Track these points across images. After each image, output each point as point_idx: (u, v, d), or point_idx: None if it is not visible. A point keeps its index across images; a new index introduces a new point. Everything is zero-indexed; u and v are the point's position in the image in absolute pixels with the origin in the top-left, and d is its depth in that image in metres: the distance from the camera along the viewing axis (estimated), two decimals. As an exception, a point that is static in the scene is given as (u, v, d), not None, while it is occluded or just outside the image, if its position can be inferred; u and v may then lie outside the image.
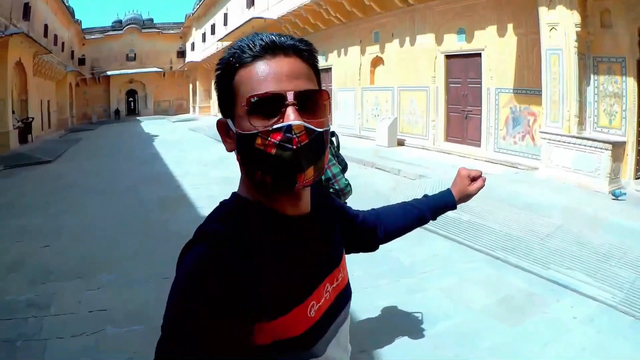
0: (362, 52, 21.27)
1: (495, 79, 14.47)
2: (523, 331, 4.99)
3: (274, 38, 1.16)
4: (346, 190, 3.92)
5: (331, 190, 3.86)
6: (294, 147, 1.08)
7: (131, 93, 61.18)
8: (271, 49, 1.14)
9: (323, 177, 3.77)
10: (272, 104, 1.10)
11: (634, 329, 4.96)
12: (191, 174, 15.21)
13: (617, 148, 10.73)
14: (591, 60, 11.56)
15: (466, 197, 1.92)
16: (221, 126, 1.24)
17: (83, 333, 4.98)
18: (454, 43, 16.02)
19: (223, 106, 1.22)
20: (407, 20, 18.02)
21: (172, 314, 1.03)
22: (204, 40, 49.19)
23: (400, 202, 1.96)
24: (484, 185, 1.93)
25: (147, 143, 26.33)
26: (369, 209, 1.88)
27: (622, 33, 10.85)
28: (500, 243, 7.50)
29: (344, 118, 23.40)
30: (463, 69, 15.93)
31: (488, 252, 7.29)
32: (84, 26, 55.87)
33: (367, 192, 10.96)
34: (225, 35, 35.11)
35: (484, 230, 8.03)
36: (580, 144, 10.97)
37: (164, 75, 59.71)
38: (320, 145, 1.15)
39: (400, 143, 18.40)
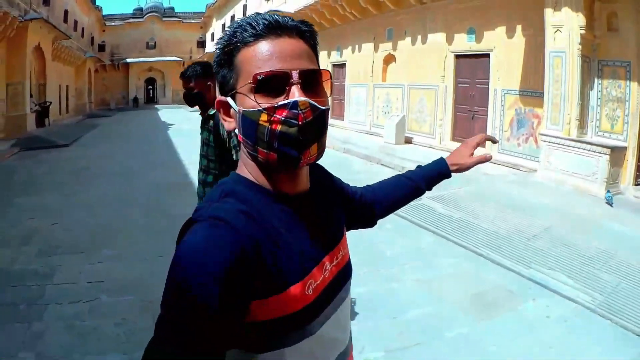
0: (376, 48, 21.30)
1: (502, 80, 14.49)
2: (491, 326, 5.09)
3: (277, 18, 1.18)
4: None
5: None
6: (300, 122, 1.11)
7: (150, 81, 61.38)
8: (275, 29, 1.16)
9: (231, 160, 3.89)
10: (277, 82, 1.12)
11: (609, 333, 5.02)
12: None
13: (616, 153, 10.76)
14: (596, 63, 11.57)
15: (462, 166, 1.93)
16: (221, 105, 1.25)
17: (80, 300, 5.43)
18: (464, 43, 16.01)
19: (223, 85, 1.23)
20: (420, 19, 18.00)
21: (174, 289, 1.00)
22: (223, 30, 48.59)
23: (394, 175, 1.97)
24: (484, 161, 1.95)
25: (162, 131, 26.61)
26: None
27: (629, 37, 10.86)
28: (487, 241, 7.59)
29: (355, 114, 23.62)
30: (472, 69, 15.92)
31: (472, 249, 7.39)
32: (104, 13, 56.31)
33: None
34: (243, 28, 35.17)
35: (472, 227, 8.14)
36: (579, 148, 11.04)
37: (183, 64, 58.99)
38: (323, 123, 1.18)
39: (408, 141, 18.42)
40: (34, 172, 14.27)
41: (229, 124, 1.25)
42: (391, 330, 4.89)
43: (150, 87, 61.77)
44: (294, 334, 1.16)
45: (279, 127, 1.11)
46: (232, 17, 45.04)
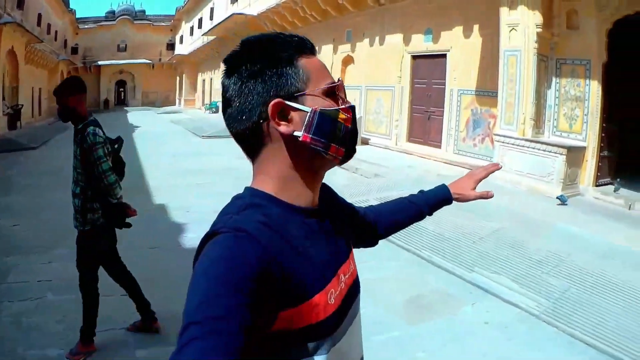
0: (335, 50, 20.89)
1: (458, 80, 14.06)
2: (423, 330, 4.92)
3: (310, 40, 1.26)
4: (114, 186, 4.24)
5: (102, 184, 4.15)
6: (355, 123, 1.23)
7: (121, 83, 60.53)
8: (313, 49, 1.24)
9: (95, 171, 4.10)
10: (333, 90, 1.21)
11: (553, 341, 4.73)
12: (159, 165, 14.95)
13: (573, 153, 10.31)
14: (554, 62, 11.19)
15: (463, 197, 1.91)
16: (278, 108, 1.16)
17: (28, 298, 5.53)
18: (421, 43, 15.62)
19: (281, 87, 1.16)
20: (378, 20, 17.62)
21: (200, 301, 0.94)
22: (191, 33, 48.43)
23: (397, 198, 1.95)
24: (486, 197, 1.92)
25: (127, 133, 25.60)
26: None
27: (590, 35, 10.44)
28: (430, 243, 7.23)
29: (315, 116, 22.93)
30: (428, 70, 15.55)
31: (415, 252, 7.06)
32: (78, 15, 55.25)
33: None
34: (209, 30, 34.77)
35: (418, 230, 7.61)
36: (534, 148, 10.53)
37: (152, 67, 59.07)
38: None
39: (365, 142, 17.88)
40: (1, 174, 14.12)
41: (286, 127, 1.17)
42: None
43: (121, 89, 60.99)
44: (319, 344, 1.14)
45: (350, 125, 1.21)
46: (200, 20, 44.12)
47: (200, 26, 43.61)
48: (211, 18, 38.88)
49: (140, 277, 4.87)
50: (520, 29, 10.86)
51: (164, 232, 7.87)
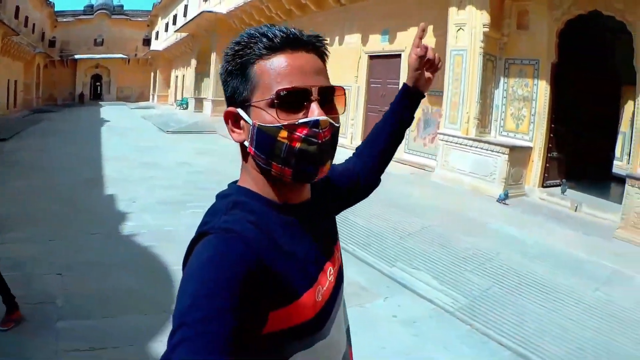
0: None
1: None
2: None
3: (295, 32, 1.11)
4: None
5: None
6: (320, 141, 1.07)
7: (97, 78, 59.20)
8: (292, 43, 1.10)
9: None
10: (296, 99, 1.06)
11: (464, 339, 4.62)
12: (119, 158, 14.72)
13: (518, 153, 10.12)
14: (503, 62, 11.01)
15: (415, 74, 1.67)
16: (230, 116, 1.17)
17: None
18: (378, 43, 15.38)
19: (233, 96, 1.14)
20: (339, 20, 17.35)
21: (189, 302, 0.90)
22: (166, 30, 47.33)
23: (375, 125, 1.78)
24: (424, 53, 1.61)
25: (97, 127, 25.66)
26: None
27: (540, 34, 10.27)
28: (357, 238, 7.10)
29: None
30: (384, 70, 15.30)
31: (350, 250, 6.74)
32: (57, 9, 54.25)
33: None
34: (181, 27, 34.17)
35: (347, 225, 7.46)
36: (477, 147, 10.30)
37: (128, 62, 57.81)
38: (337, 140, 1.15)
39: None
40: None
41: (237, 135, 1.17)
42: None
43: (97, 83, 59.65)
44: (307, 341, 1.12)
45: (298, 145, 1.07)
46: (175, 17, 43.18)
47: (174, 22, 42.62)
48: (185, 15, 38.01)
49: (77, 259, 5.73)
50: (467, 28, 10.69)
51: (107, 220, 7.82)
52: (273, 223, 1.12)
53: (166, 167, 13.22)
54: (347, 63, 16.60)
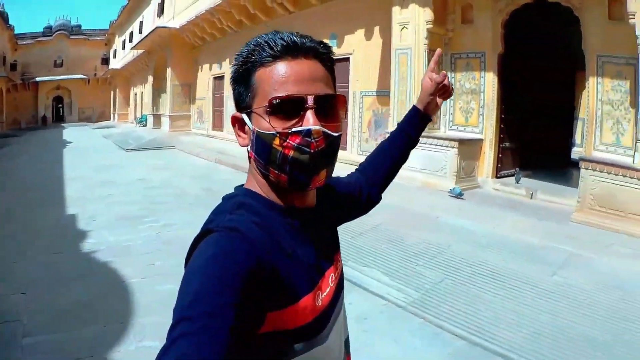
0: None
1: (360, 82, 13.57)
2: None
3: (295, 39, 1.09)
4: None
5: None
6: (312, 150, 1.05)
7: (59, 99, 57.58)
8: (292, 50, 1.08)
9: None
10: (292, 106, 1.05)
11: (415, 332, 4.53)
12: (80, 178, 14.45)
13: (468, 146, 9.98)
14: (449, 57, 10.87)
15: (432, 100, 1.62)
16: (236, 121, 1.19)
17: None
18: None
19: (239, 101, 1.16)
20: (288, 27, 16.06)
21: (190, 298, 0.89)
22: (123, 47, 46.27)
23: (379, 144, 1.75)
24: (441, 82, 1.57)
25: (60, 149, 24.97)
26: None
27: (485, 27, 10.17)
28: None
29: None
30: (334, 73, 14.90)
31: None
32: (17, 31, 52.64)
33: (225, 194, 10.88)
34: (136, 44, 33.36)
35: None
36: (426, 143, 10.06)
37: (88, 82, 56.29)
38: (334, 149, 1.12)
39: None
40: None
41: (242, 140, 1.19)
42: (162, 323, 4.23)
43: (59, 105, 58.00)
44: (305, 345, 1.09)
45: (291, 153, 1.06)
46: (131, 34, 42.19)
47: (131, 40, 41.68)
48: (140, 31, 37.24)
49: (40, 277, 5.89)
50: (411, 27, 10.49)
51: (68, 239, 7.73)
52: (277, 225, 1.12)
53: (124, 184, 13.05)
54: None
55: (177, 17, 26.47)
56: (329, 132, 1.08)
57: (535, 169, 11.16)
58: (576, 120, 14.69)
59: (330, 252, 1.29)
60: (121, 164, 17.98)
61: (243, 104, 1.14)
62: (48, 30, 57.37)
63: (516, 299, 5.01)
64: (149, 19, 34.72)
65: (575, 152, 9.84)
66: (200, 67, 25.88)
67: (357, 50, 13.67)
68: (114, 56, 52.38)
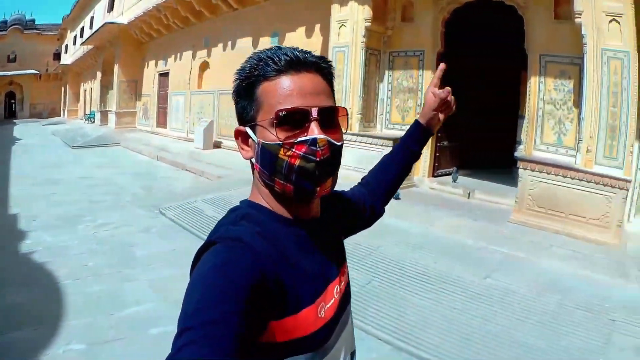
0: (194, 56, 19.67)
1: (300, 80, 13.12)
2: None
3: (298, 54, 1.10)
4: None
5: None
6: (318, 159, 1.06)
7: (12, 95, 54.98)
8: (295, 65, 1.09)
9: None
10: (297, 118, 1.06)
11: None
12: (26, 176, 13.83)
13: None
14: (387, 55, 10.58)
15: (435, 115, 1.60)
16: (239, 134, 1.17)
17: None
18: (268, 46, 14.21)
19: (242, 115, 1.15)
20: (232, 25, 16.67)
21: (194, 309, 0.87)
22: (74, 43, 44.28)
23: (383, 157, 1.73)
24: (445, 96, 1.57)
25: (8, 146, 23.68)
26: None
27: (425, 25, 9.92)
28: None
29: (176, 122, 21.67)
30: (276, 72, 14.61)
31: None
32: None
33: (163, 192, 10.96)
34: (85, 40, 32.18)
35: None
36: (361, 142, 9.79)
37: (40, 77, 53.71)
38: (338, 158, 1.13)
39: (217, 145, 17.15)
40: None
41: (246, 152, 1.18)
42: (104, 325, 4.60)
43: (12, 101, 55.33)
44: (309, 356, 1.08)
45: (297, 162, 1.06)
46: (82, 30, 40.40)
47: (82, 35, 39.70)
48: (91, 27, 35.80)
49: None
50: (349, 24, 10.16)
51: (8, 240, 7.42)
52: (281, 236, 1.10)
53: (67, 183, 12.54)
54: (238, 67, 15.74)
55: (126, 12, 25.58)
56: (333, 141, 1.08)
57: (477, 168, 10.95)
58: (521, 120, 14.51)
59: (335, 263, 1.26)
60: (67, 161, 17.41)
61: (247, 117, 1.13)
62: (3, 25, 54.56)
63: (446, 303, 4.78)
64: (99, 14, 33.46)
65: (521, 151, 9.66)
66: (146, 63, 25.08)
67: (307, 49, 13.18)
68: (66, 51, 50.11)
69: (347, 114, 1.17)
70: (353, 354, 1.33)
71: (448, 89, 1.57)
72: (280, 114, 1.03)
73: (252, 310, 0.90)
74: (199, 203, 8.69)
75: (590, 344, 4.12)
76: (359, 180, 1.71)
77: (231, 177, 11.36)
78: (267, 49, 1.13)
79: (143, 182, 12.23)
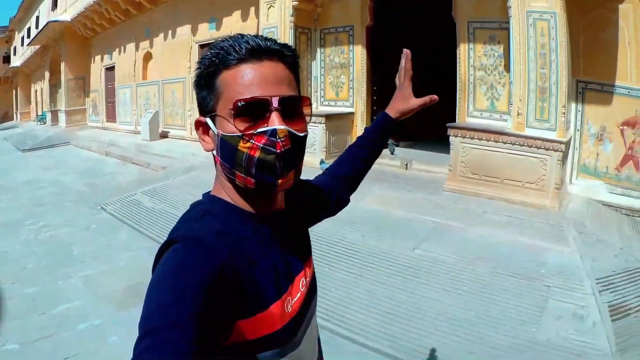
0: (137, 48, 18.95)
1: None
2: (127, 317, 4.39)
3: (260, 42, 1.02)
4: None
5: None
6: (278, 150, 0.98)
7: (-39, 102, 52.69)
8: (257, 53, 1.01)
9: None
10: (257, 109, 0.98)
11: None
12: None
13: (336, 120, 9.55)
14: (318, 33, 10.36)
15: (406, 110, 1.53)
16: (200, 125, 1.10)
17: None
18: (206, 32, 14.45)
19: (202, 106, 1.08)
20: (171, 14, 16.16)
21: (152, 310, 0.83)
22: (22, 44, 42.56)
23: (347, 148, 1.63)
24: (429, 103, 1.52)
25: None
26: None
27: (352, 1, 9.71)
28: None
29: (124, 115, 20.84)
30: (215, 57, 14.13)
31: (158, 240, 6.23)
32: None
33: (107, 187, 10.57)
34: (31, 40, 30.90)
35: (167, 218, 7.03)
36: None
37: (-12, 82, 51.75)
38: (301, 150, 1.06)
39: (164, 136, 16.51)
40: None
41: (207, 144, 1.10)
42: (35, 325, 4.50)
43: (-35, 108, 52.99)
44: (277, 352, 1.04)
45: (257, 154, 0.99)
46: (29, 30, 38.44)
47: (29, 35, 38.13)
48: (37, 26, 34.37)
49: None
50: (277, 4, 9.88)
51: None
52: (243, 232, 1.05)
53: (12, 188, 11.81)
54: (180, 54, 15.65)
55: (69, 9, 24.39)
56: (295, 132, 1.01)
57: (419, 140, 10.81)
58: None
59: (300, 256, 1.21)
60: (15, 165, 16.49)
61: (207, 107, 1.06)
62: (-43, 29, 52.38)
63: (371, 277, 4.57)
64: (44, 13, 32.02)
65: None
66: (93, 59, 24.15)
67: (235, 31, 12.49)
68: (15, 54, 48.02)
69: (310, 104, 1.09)
70: (318, 339, 1.31)
71: (434, 97, 1.50)
72: (239, 104, 0.97)
73: (212, 311, 0.86)
74: (138, 195, 8.42)
75: (524, 313, 3.89)
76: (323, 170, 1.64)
77: (174, 167, 11.04)
78: (230, 37, 1.04)
79: (89, 180, 11.75)
